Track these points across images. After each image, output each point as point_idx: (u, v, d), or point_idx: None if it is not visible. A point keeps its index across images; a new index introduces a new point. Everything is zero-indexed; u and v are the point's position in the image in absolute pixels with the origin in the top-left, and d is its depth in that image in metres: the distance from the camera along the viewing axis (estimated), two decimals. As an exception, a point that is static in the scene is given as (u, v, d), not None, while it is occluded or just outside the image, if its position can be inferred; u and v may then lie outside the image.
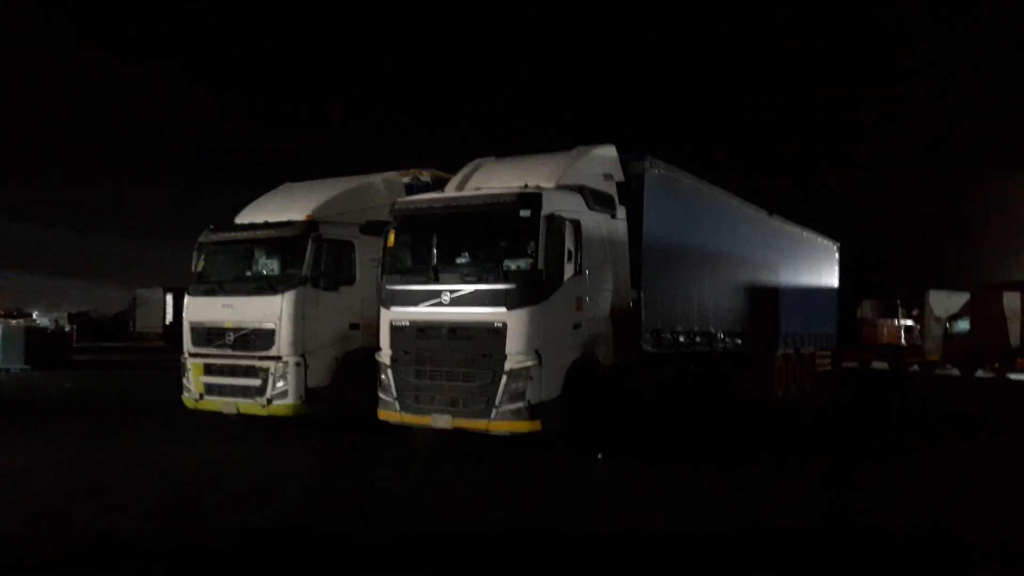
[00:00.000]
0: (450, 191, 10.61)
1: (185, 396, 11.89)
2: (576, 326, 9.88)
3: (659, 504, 7.61)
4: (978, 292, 29.65)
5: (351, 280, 11.64)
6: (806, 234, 19.86)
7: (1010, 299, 26.88)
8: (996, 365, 27.59)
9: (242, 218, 12.31)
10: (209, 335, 11.67)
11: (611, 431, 10.56)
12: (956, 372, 29.40)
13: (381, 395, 10.19)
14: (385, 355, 10.17)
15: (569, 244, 9.44)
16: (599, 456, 9.64)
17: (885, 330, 35.57)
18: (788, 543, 6.40)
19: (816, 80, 49.68)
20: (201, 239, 12.17)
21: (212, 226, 12.22)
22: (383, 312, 10.30)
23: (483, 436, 9.61)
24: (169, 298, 36.66)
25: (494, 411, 9.28)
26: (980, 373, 28.06)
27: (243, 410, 11.24)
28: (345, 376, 11.34)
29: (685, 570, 5.76)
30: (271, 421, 11.30)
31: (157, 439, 11.20)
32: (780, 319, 17.30)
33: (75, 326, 36.41)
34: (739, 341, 14.97)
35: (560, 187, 9.97)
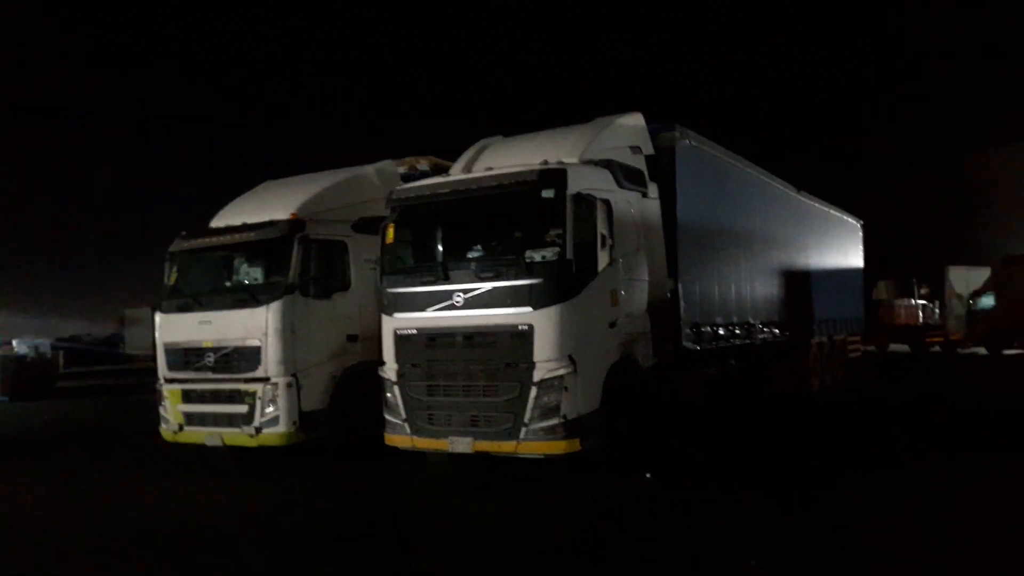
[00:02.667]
0: (456, 175, 9.13)
1: (163, 428, 10.38)
2: (612, 324, 8.42)
3: (739, 540, 6.15)
4: (1003, 266, 28.38)
5: (345, 285, 10.17)
6: (832, 212, 18.52)
7: (1039, 272, 25.52)
8: (1025, 342, 26.20)
9: (218, 221, 10.82)
10: (187, 357, 10.18)
11: (655, 444, 9.13)
12: (982, 351, 28.07)
13: (388, 417, 8.70)
14: (390, 370, 8.69)
15: (601, 228, 7.94)
16: (648, 476, 8.17)
17: (902, 311, 34.31)
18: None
19: (825, 51, 48.33)
20: (172, 248, 10.68)
21: (184, 232, 10.73)
22: (385, 320, 8.82)
23: (508, 459, 8.15)
24: (158, 317, 35.04)
25: (523, 430, 7.79)
26: (1008, 351, 26.65)
27: (229, 441, 9.74)
28: (344, 396, 9.87)
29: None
30: (262, 452, 9.80)
31: (131, 481, 9.72)
32: (814, 304, 15.96)
33: (62, 352, 34.84)
34: (776, 331, 13.57)
35: (585, 162, 8.51)
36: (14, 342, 27.96)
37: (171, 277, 10.66)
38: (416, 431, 8.47)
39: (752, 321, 12.43)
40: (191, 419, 10.06)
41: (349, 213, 10.28)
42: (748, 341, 12.20)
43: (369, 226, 9.75)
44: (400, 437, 8.61)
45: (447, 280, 8.26)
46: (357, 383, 9.80)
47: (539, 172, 7.96)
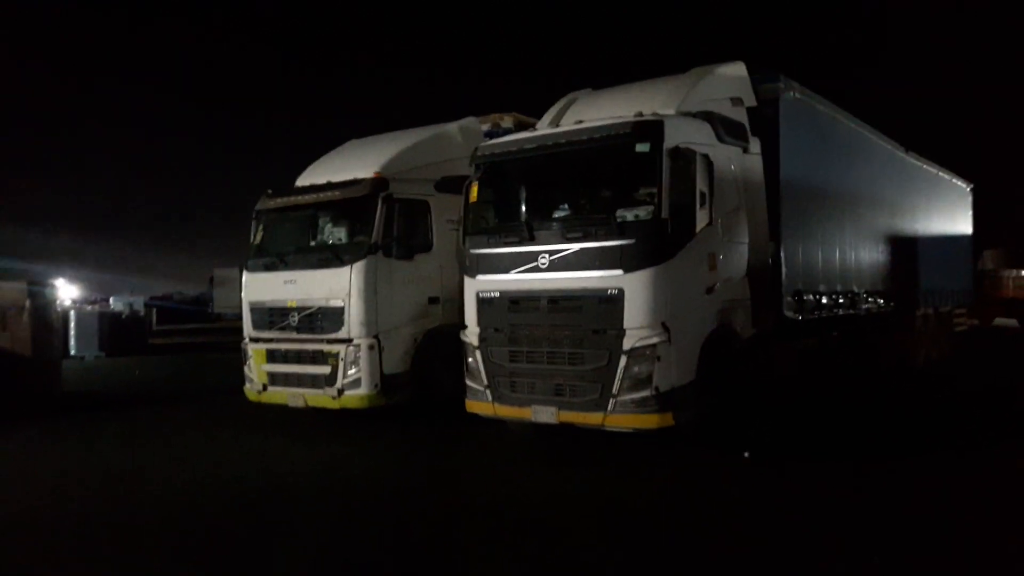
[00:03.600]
0: (543, 129, 8.66)
1: (247, 387, 10.44)
2: (709, 290, 7.86)
3: (858, 533, 5.60)
4: None
5: (428, 246, 9.92)
6: (941, 174, 17.19)
7: None
8: None
9: (303, 180, 10.71)
10: (271, 316, 10.15)
11: (753, 420, 8.58)
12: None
13: (469, 383, 8.42)
14: (472, 334, 8.39)
15: (701, 185, 7.34)
16: (745, 455, 7.65)
17: (1011, 282, 32.14)
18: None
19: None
20: (258, 206, 10.64)
21: (270, 191, 10.66)
22: (467, 282, 8.50)
23: (594, 431, 7.75)
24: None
25: (612, 401, 7.36)
26: None
27: (311, 402, 9.70)
28: (425, 360, 9.67)
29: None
30: (343, 414, 9.71)
31: (213, 441, 9.74)
32: (919, 273, 14.88)
33: (154, 310, 36.20)
34: (880, 301, 12.68)
35: (683, 114, 7.91)
36: (111, 299, 29.20)
37: (257, 236, 10.64)
38: (498, 398, 8.16)
39: (856, 290, 11.62)
40: (275, 379, 10.05)
41: (432, 172, 10.00)
42: (851, 311, 11.41)
43: (452, 185, 9.44)
44: (481, 404, 8.32)
45: (532, 241, 7.85)
46: (438, 346, 9.59)
47: (633, 124, 7.41)
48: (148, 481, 7.66)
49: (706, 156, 7.45)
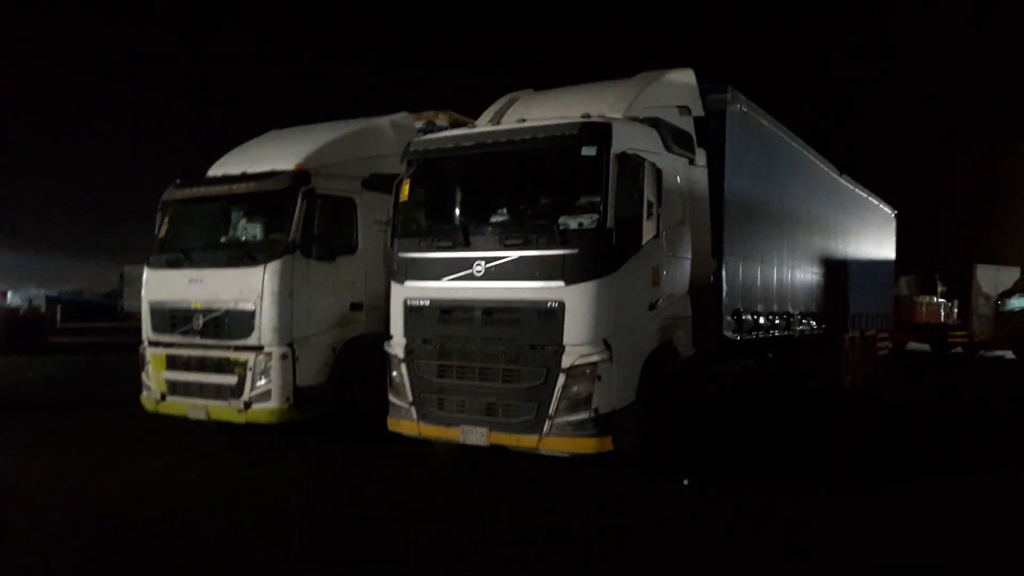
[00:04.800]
0: (483, 126, 8.07)
1: (144, 396, 9.46)
2: (652, 306, 7.41)
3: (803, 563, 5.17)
4: (1037, 267, 27.29)
5: (352, 248, 9.19)
6: (871, 199, 17.42)
7: (1078, 274, 24.46)
8: (1059, 348, 25.18)
9: (216, 170, 9.80)
10: (173, 318, 9.22)
11: (693, 445, 8.16)
12: (1009, 355, 27.03)
13: (392, 399, 7.72)
14: (397, 345, 7.70)
15: (649, 194, 6.88)
16: (685, 482, 7.19)
17: (924, 308, 33.25)
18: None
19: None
20: (164, 196, 9.70)
21: (178, 180, 9.73)
22: (395, 288, 7.82)
23: (526, 453, 7.17)
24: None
25: (548, 423, 6.80)
26: (1040, 356, 25.67)
27: (214, 415, 8.80)
28: (344, 372, 8.91)
29: None
30: (250, 429, 8.83)
31: (98, 457, 8.62)
32: (849, 297, 14.93)
33: (59, 306, 34.02)
34: (813, 323, 12.56)
35: (631, 119, 7.45)
36: (8, 294, 27.16)
37: (162, 229, 9.71)
38: (423, 416, 7.49)
39: (791, 311, 11.43)
40: (175, 388, 9.12)
41: (360, 168, 9.27)
42: (787, 333, 11.21)
43: (381, 183, 8.76)
44: (405, 423, 7.64)
45: (467, 246, 7.24)
46: (359, 358, 8.86)
47: (580, 125, 6.90)
48: (21, 503, 6.68)
49: (654, 164, 7.00)
